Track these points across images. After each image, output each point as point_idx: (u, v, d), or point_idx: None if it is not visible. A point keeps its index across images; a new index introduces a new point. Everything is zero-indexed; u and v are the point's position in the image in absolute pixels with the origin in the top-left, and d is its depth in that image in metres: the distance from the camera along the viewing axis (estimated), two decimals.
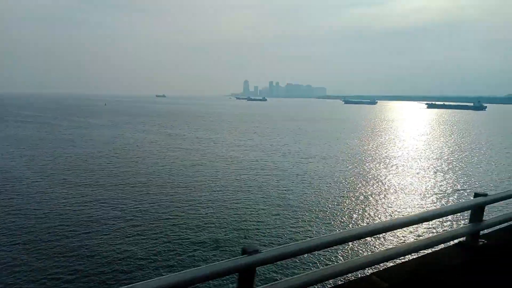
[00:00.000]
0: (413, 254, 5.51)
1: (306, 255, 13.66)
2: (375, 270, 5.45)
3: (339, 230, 13.52)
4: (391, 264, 5.80)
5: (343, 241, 4.69)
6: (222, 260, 3.79)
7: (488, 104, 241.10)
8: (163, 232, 17.35)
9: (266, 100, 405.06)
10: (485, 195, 6.09)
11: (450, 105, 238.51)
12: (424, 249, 5.55)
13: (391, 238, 16.98)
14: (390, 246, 14.29)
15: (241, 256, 3.71)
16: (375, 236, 14.50)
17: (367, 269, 5.42)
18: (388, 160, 37.36)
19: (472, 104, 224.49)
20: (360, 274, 6.66)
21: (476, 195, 6.13)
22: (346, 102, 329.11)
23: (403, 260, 5.94)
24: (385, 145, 49.27)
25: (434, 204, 23.03)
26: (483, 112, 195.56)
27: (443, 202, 23.49)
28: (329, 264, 6.55)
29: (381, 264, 5.11)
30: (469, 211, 6.15)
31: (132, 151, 40.18)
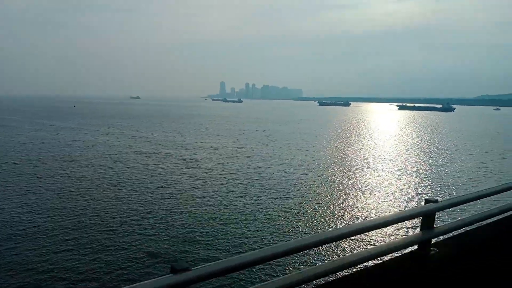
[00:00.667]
0: (360, 265, 5.23)
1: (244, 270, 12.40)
2: (319, 283, 5.16)
3: (277, 243, 10.87)
4: (337, 277, 5.60)
5: (279, 255, 4.20)
6: (147, 280, 3.33)
7: (458, 106, 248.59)
8: (98, 244, 16.57)
9: (241, 101, 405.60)
10: (436, 201, 5.86)
11: (420, 106, 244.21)
12: (373, 259, 5.26)
13: (335, 248, 16.06)
14: (335, 258, 14.33)
15: (169, 275, 3.30)
16: (320, 247, 13.66)
17: (308, 284, 4.87)
18: (349, 163, 37.52)
19: (441, 105, 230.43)
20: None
21: (427, 201, 5.90)
22: (321, 103, 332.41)
23: (349, 272, 5.68)
24: (350, 148, 49.61)
25: (390, 209, 22.59)
26: (451, 113, 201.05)
27: (401, 207, 22.99)
28: (267, 280, 6.14)
29: (324, 278, 4.81)
30: (420, 218, 5.93)
31: (86, 154, 38.92)
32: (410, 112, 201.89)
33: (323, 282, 5.26)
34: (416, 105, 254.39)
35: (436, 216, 5.93)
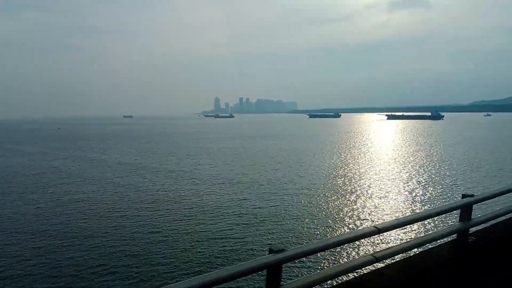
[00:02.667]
0: (406, 253, 5.88)
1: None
2: (370, 269, 5.93)
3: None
4: (386, 263, 6.15)
5: (348, 241, 5.12)
6: (251, 260, 4.13)
7: (450, 113, 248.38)
8: None
9: (233, 117, 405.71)
10: (472, 195, 6.50)
11: (409, 115, 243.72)
12: (417, 247, 5.91)
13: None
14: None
15: (269, 255, 4.13)
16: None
17: (363, 269, 5.66)
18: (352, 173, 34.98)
19: (429, 113, 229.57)
20: (357, 274, 6.78)
21: (464, 196, 6.55)
22: (311, 116, 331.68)
23: (397, 259, 6.24)
24: (332, 162, 47.09)
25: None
26: (440, 121, 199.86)
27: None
28: (334, 265, 6.61)
29: (375, 265, 5.48)
30: (459, 211, 6.53)
31: (27, 181, 36.27)
32: (399, 121, 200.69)
33: (373, 269, 5.91)
34: (405, 113, 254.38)
35: (473, 209, 6.53)
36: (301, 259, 14.24)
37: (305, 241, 18.94)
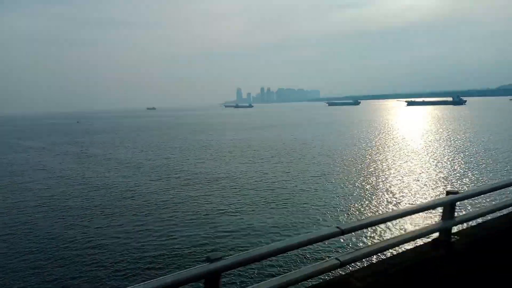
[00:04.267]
0: (386, 252, 5.83)
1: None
2: (348, 271, 5.68)
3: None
4: (364, 264, 6.17)
5: (311, 242, 4.73)
6: (186, 268, 4.03)
7: (477, 98, 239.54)
8: None
9: (252, 107, 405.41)
10: (456, 192, 6.34)
11: (430, 101, 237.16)
12: (397, 246, 5.65)
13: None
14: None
15: (206, 263, 3.93)
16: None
17: (338, 269, 5.42)
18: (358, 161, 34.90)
19: (451, 99, 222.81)
20: (332, 275, 6.64)
21: (448, 193, 6.35)
22: (330, 104, 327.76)
23: (377, 259, 6.24)
24: (350, 150, 46.81)
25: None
26: (461, 107, 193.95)
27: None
28: (296, 268, 6.13)
29: (354, 264, 5.44)
30: (442, 209, 6.36)
31: (16, 178, 37.63)
32: (418, 108, 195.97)
33: (350, 270, 5.66)
34: (426, 99, 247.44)
35: (456, 207, 6.34)
36: (243, 267, 12.15)
37: (247, 247, 17.06)
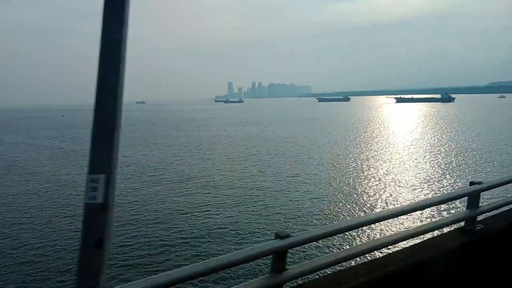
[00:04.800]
0: (411, 239, 5.86)
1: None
2: (374, 258, 6.11)
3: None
4: (390, 251, 6.20)
5: (356, 226, 5.30)
6: (257, 245, 4.22)
7: (463, 95, 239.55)
8: None
9: (242, 101, 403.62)
10: (480, 183, 6.38)
11: (418, 98, 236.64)
12: (423, 234, 5.86)
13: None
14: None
15: (275, 240, 4.12)
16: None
17: (367, 255, 6.15)
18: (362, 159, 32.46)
19: (439, 96, 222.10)
20: (360, 260, 6.88)
21: (472, 183, 6.42)
22: (320, 100, 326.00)
23: (402, 247, 6.15)
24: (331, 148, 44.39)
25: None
26: (450, 104, 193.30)
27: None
28: (339, 250, 5.89)
29: (381, 251, 5.74)
30: (466, 199, 6.41)
31: None
32: (407, 105, 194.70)
33: (381, 255, 5.97)
34: (414, 96, 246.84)
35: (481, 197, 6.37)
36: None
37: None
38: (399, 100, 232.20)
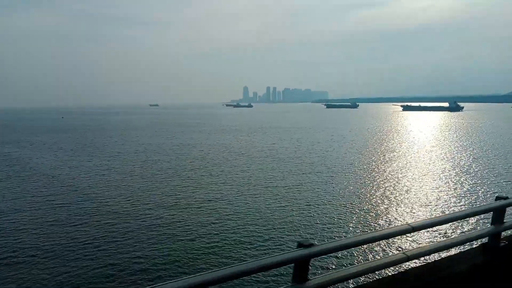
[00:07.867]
0: (435, 254, 6.05)
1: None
2: (398, 271, 6.13)
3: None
4: (414, 265, 6.36)
5: (380, 238, 5.49)
6: (279, 253, 4.27)
7: (483, 104, 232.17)
8: None
9: (252, 106, 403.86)
10: (506, 198, 6.23)
11: (426, 106, 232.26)
12: (446, 249, 5.82)
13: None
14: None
15: (298, 249, 4.15)
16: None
17: (391, 268, 5.93)
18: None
19: (447, 104, 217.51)
20: (384, 274, 7.26)
21: (498, 198, 6.29)
22: (328, 106, 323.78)
23: (426, 261, 6.17)
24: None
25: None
26: (457, 113, 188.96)
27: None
28: (363, 262, 6.70)
29: (404, 264, 5.46)
30: (491, 214, 6.29)
31: None
32: (413, 113, 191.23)
33: (394, 273, 6.16)
34: (422, 105, 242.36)
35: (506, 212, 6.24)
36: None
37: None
38: (405, 108, 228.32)
